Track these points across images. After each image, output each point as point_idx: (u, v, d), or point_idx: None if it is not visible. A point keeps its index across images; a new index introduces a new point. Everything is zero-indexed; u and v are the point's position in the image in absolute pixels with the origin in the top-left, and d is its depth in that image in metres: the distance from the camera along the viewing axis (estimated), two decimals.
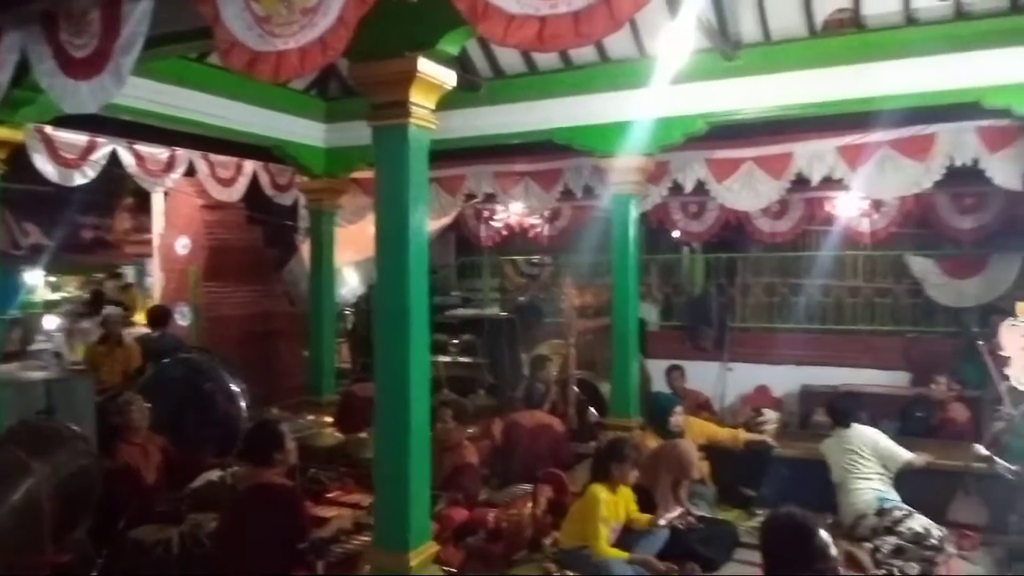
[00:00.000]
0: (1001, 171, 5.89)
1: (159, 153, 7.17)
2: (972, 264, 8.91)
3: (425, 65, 3.43)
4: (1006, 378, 4.89)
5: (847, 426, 5.31)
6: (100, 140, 6.60)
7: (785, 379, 8.88)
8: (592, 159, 6.53)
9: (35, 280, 10.60)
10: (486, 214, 10.52)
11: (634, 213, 6.17)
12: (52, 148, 6.29)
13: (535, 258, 11.85)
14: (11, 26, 4.06)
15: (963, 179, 6.86)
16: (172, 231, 9.20)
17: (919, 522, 4.56)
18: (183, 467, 4.80)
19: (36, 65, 3.96)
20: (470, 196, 8.61)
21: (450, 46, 3.51)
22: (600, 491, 4.39)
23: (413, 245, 3.51)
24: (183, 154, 7.34)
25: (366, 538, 4.13)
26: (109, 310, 8.15)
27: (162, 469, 4.79)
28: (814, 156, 6.55)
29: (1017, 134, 5.81)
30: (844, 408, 5.54)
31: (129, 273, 11.73)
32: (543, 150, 6.96)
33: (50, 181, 6.34)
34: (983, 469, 4.92)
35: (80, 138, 6.45)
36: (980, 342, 5.90)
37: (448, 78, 3.61)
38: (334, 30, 2.98)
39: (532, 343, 8.92)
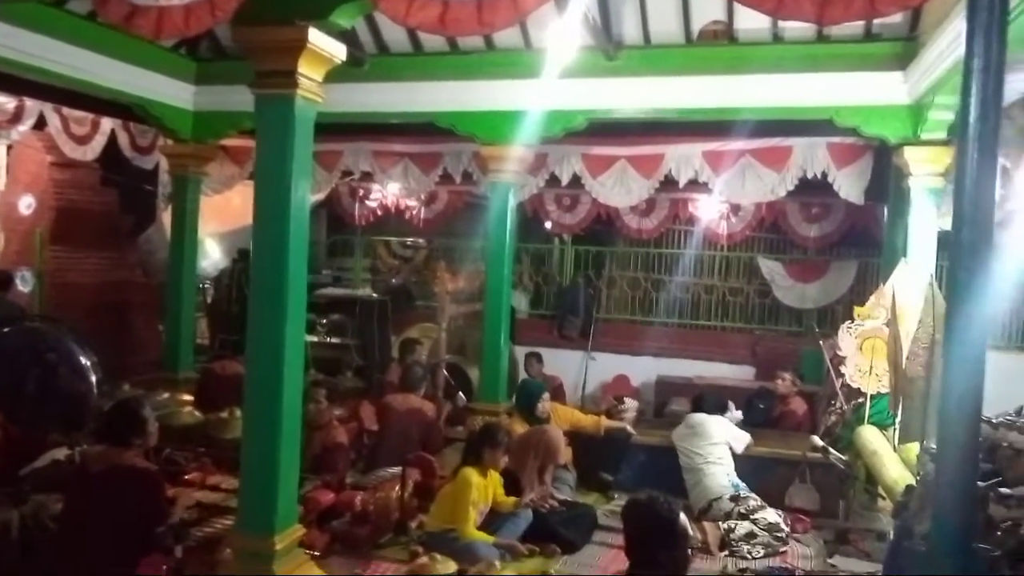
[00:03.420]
0: (846, 185, 6.43)
1: (5, 103, 6.58)
2: (815, 269, 9.66)
3: (316, 36, 3.35)
4: (841, 376, 5.36)
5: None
6: None
7: (643, 370, 9.30)
8: (473, 145, 6.58)
9: None
10: (361, 192, 10.33)
11: (511, 202, 6.27)
12: None
13: (409, 240, 11.77)
14: None
15: (812, 190, 7.43)
16: (15, 188, 8.44)
17: (772, 514, 4.96)
18: (24, 445, 4.45)
19: None
20: (346, 173, 8.43)
21: (343, 19, 3.44)
22: (472, 475, 4.46)
23: (294, 222, 3.43)
24: (33, 105, 6.76)
25: (228, 521, 4.01)
26: None
27: (2, 448, 4.42)
28: (682, 158, 6.88)
29: (862, 152, 6.37)
30: (710, 400, 5.94)
31: None
32: (424, 132, 6.92)
33: None
34: (818, 459, 5.37)
35: None
36: (820, 342, 6.43)
37: (338, 51, 3.54)
38: None
39: (403, 326, 8.88)
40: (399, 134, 7.57)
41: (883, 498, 4.72)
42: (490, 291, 6.27)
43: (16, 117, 6.68)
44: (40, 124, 6.93)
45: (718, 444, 5.42)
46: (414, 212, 10.31)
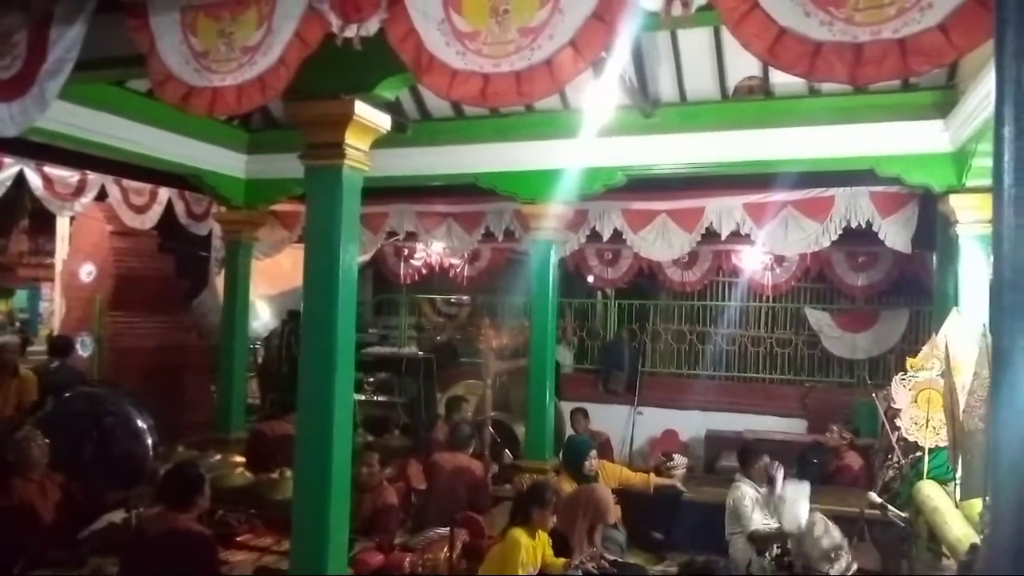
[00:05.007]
0: (892, 234, 6.36)
1: (69, 176, 6.90)
2: (864, 318, 9.49)
3: (362, 108, 3.48)
4: (896, 428, 5.21)
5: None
6: (7, 160, 6.32)
7: (692, 424, 9.16)
8: (514, 204, 6.69)
9: None
10: (406, 252, 10.53)
11: (553, 258, 6.32)
12: None
13: (453, 298, 11.90)
14: None
15: (858, 239, 7.35)
16: (77, 257, 8.81)
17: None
18: (83, 506, 4.56)
19: None
20: (391, 234, 8.63)
21: (387, 91, 3.58)
22: (521, 536, 4.41)
23: (343, 285, 3.52)
24: (95, 178, 7.08)
25: None
26: (5, 338, 7.70)
27: (61, 509, 4.53)
28: (723, 211, 6.90)
29: (906, 200, 6.31)
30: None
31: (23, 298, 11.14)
32: (466, 192, 7.07)
33: None
34: (877, 516, 5.19)
35: None
36: (873, 394, 6.27)
37: (383, 122, 3.67)
38: (274, 70, 3.01)
39: (448, 383, 8.92)
40: (442, 195, 7.73)
41: (947, 557, 4.53)
42: (534, 347, 6.29)
43: (79, 190, 7.00)
44: (101, 196, 7.24)
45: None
46: (458, 270, 10.45)
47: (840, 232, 6.56)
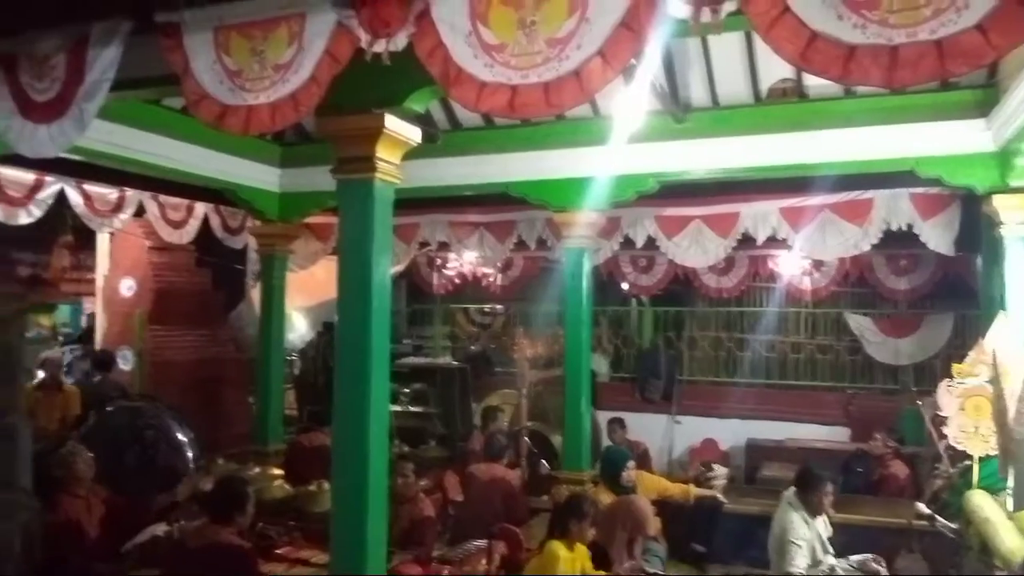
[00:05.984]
0: (934, 236, 6.21)
1: (108, 193, 7.05)
2: (907, 323, 9.27)
3: (392, 122, 3.49)
4: (944, 437, 5.06)
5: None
6: (48, 179, 6.47)
7: (732, 433, 9.03)
8: (546, 212, 6.66)
9: None
10: (438, 262, 10.56)
11: (587, 266, 6.28)
12: None
13: (487, 307, 11.90)
14: None
15: (899, 242, 7.19)
16: (117, 272, 8.99)
17: None
18: (127, 520, 4.62)
19: None
20: (424, 244, 8.66)
21: (417, 104, 3.58)
22: (559, 548, 4.35)
23: (376, 296, 3.52)
24: (133, 195, 7.22)
25: None
26: (49, 353, 7.88)
27: (105, 523, 4.60)
28: (759, 216, 6.80)
29: (949, 202, 6.15)
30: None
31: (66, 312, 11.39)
32: (498, 201, 7.06)
33: None
34: (925, 527, 5.04)
35: (27, 176, 6.31)
36: (918, 401, 6.12)
37: (413, 135, 3.68)
38: (306, 88, 3.03)
39: (483, 393, 8.91)
40: (474, 204, 7.74)
41: (1000, 569, 4.39)
42: (569, 356, 6.24)
43: (118, 206, 7.15)
44: (139, 212, 7.39)
45: None
46: (491, 279, 10.45)
47: (881, 235, 6.42)
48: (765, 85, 5.47)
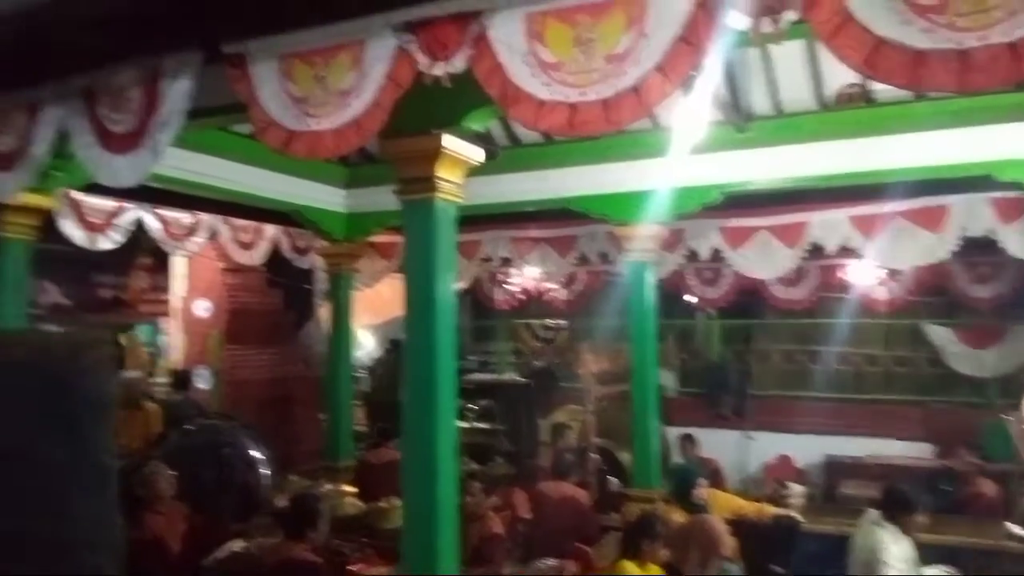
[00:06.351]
0: (1016, 242, 5.93)
1: (183, 218, 7.32)
2: (991, 333, 8.86)
3: (451, 142, 3.52)
4: None
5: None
6: (126, 205, 6.76)
7: (807, 449, 8.76)
8: (607, 226, 6.62)
9: None
10: (501, 278, 10.60)
11: (650, 279, 6.21)
12: (79, 213, 6.45)
13: (551, 322, 11.88)
14: (49, 101, 4.16)
15: (979, 248, 6.87)
16: (194, 293, 9.33)
17: None
18: (206, 537, 4.74)
19: (74, 139, 4.06)
20: (486, 260, 8.71)
21: (475, 123, 3.61)
22: (631, 568, 4.29)
23: (441, 314, 3.55)
24: (206, 219, 7.49)
25: None
26: (130, 373, 8.19)
27: (186, 540, 4.73)
28: (828, 225, 6.63)
29: None
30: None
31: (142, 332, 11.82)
32: (558, 216, 7.06)
33: (71, 242, 6.45)
34: (1018, 548, 4.79)
35: (107, 203, 6.60)
36: (1004, 415, 5.84)
37: (473, 154, 3.71)
38: (369, 112, 3.08)
39: (549, 409, 8.87)
40: (534, 220, 7.76)
41: None
42: (636, 371, 6.17)
43: (192, 230, 7.42)
44: (212, 235, 7.66)
45: None
46: (554, 294, 10.43)
47: (959, 242, 6.17)
48: (830, 91, 5.34)
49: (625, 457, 7.18)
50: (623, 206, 6.03)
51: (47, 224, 5.63)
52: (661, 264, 7.15)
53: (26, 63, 4.03)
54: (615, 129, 2.65)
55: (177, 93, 3.63)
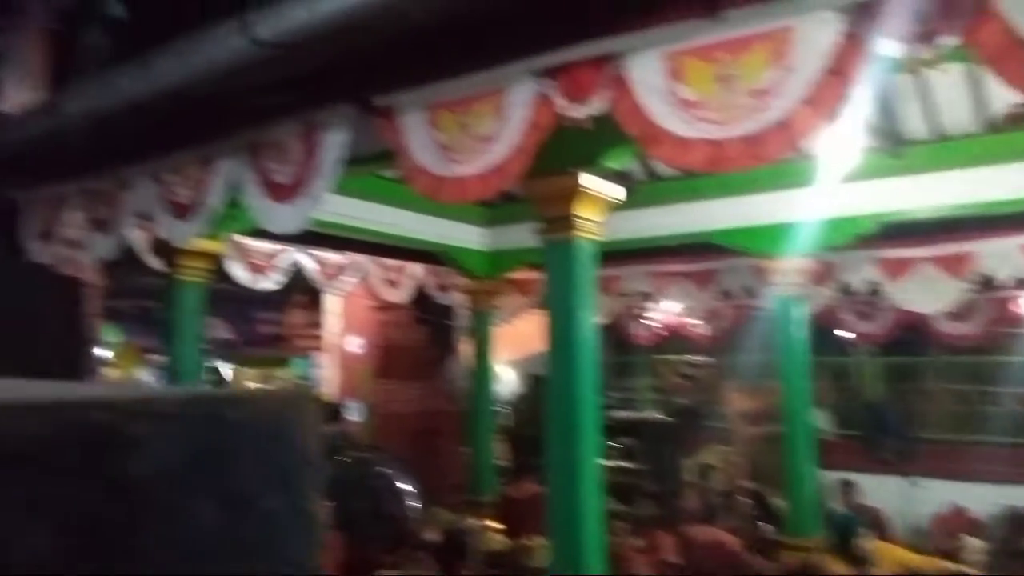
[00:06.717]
0: None
1: (336, 258, 7.76)
2: None
3: (589, 181, 3.56)
4: None
5: None
6: (284, 248, 7.24)
7: (983, 498, 7.98)
8: (752, 259, 6.41)
9: (224, 371, 11.50)
10: (641, 313, 10.46)
11: (801, 315, 5.94)
12: (245, 256, 6.98)
13: (694, 359, 11.56)
14: (221, 155, 4.55)
15: None
16: (347, 330, 9.83)
17: None
18: (358, 566, 4.92)
19: (243, 189, 4.41)
20: (625, 295, 8.64)
21: (614, 162, 3.63)
22: None
23: (582, 352, 3.57)
24: (356, 259, 7.90)
25: None
26: None
27: (339, 568, 4.92)
28: (998, 255, 6.13)
29: None
30: None
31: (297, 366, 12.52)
32: (700, 250, 6.91)
33: (236, 282, 6.96)
34: None
35: (268, 246, 7.10)
36: None
37: (613, 192, 3.72)
38: (511, 156, 3.15)
39: (693, 449, 8.61)
40: (674, 254, 7.62)
41: None
42: (787, 410, 5.90)
43: (344, 270, 7.86)
44: (362, 274, 8.05)
45: None
46: (696, 329, 10.17)
47: None
48: (994, 112, 4.95)
49: (777, 502, 6.83)
50: (769, 239, 5.82)
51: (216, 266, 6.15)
52: (811, 298, 6.83)
53: (200, 122, 4.43)
54: (760, 164, 2.58)
55: (333, 145, 3.86)
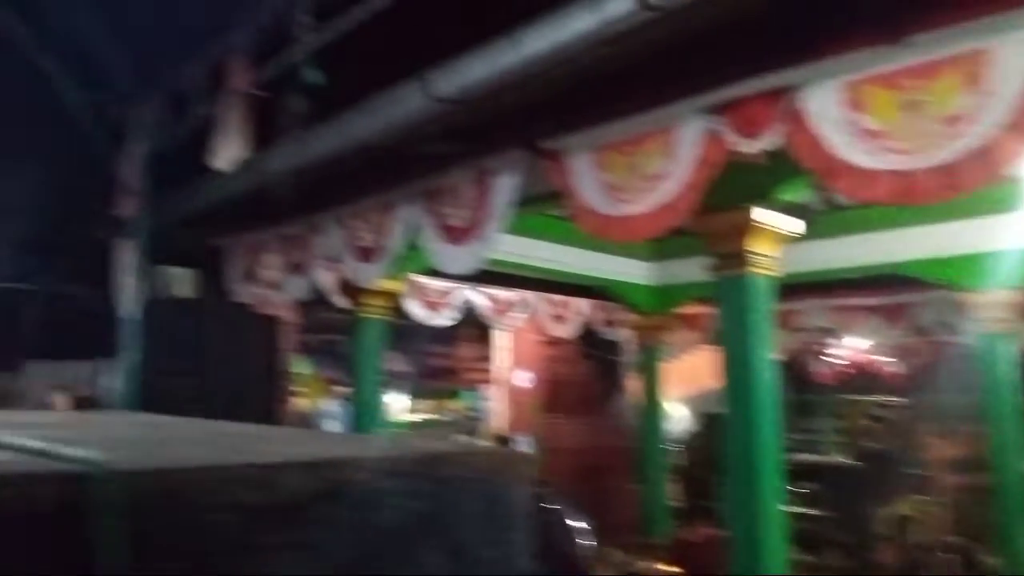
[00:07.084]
0: None
1: (505, 295, 7.97)
2: None
3: (762, 215, 3.45)
4: None
5: None
6: (457, 285, 7.54)
7: None
8: (948, 292, 5.89)
9: (401, 402, 12.05)
10: (823, 350, 9.87)
11: (1008, 353, 5.38)
12: (421, 294, 7.33)
13: (886, 399, 10.70)
14: (400, 201, 4.83)
15: None
16: (516, 364, 10.03)
17: None
18: None
19: (421, 232, 4.66)
20: (805, 331, 8.21)
21: (789, 195, 3.50)
22: None
23: (759, 391, 3.45)
24: (524, 295, 8.07)
25: None
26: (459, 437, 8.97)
27: None
28: None
29: None
30: None
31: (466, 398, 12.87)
32: (887, 283, 6.45)
33: (411, 318, 7.29)
34: None
35: (442, 284, 7.42)
36: None
37: (789, 225, 3.58)
38: (682, 194, 3.13)
39: (886, 498, 7.94)
40: (857, 287, 7.15)
41: None
42: (997, 458, 5.34)
43: (513, 306, 8.05)
44: (531, 310, 8.21)
45: None
46: (887, 368, 9.45)
47: None
48: None
49: (988, 559, 6.15)
50: (966, 270, 5.34)
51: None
52: (1021, 335, 6.16)
53: (382, 172, 4.74)
54: (958, 195, 2.38)
55: (504, 189, 4.01)
